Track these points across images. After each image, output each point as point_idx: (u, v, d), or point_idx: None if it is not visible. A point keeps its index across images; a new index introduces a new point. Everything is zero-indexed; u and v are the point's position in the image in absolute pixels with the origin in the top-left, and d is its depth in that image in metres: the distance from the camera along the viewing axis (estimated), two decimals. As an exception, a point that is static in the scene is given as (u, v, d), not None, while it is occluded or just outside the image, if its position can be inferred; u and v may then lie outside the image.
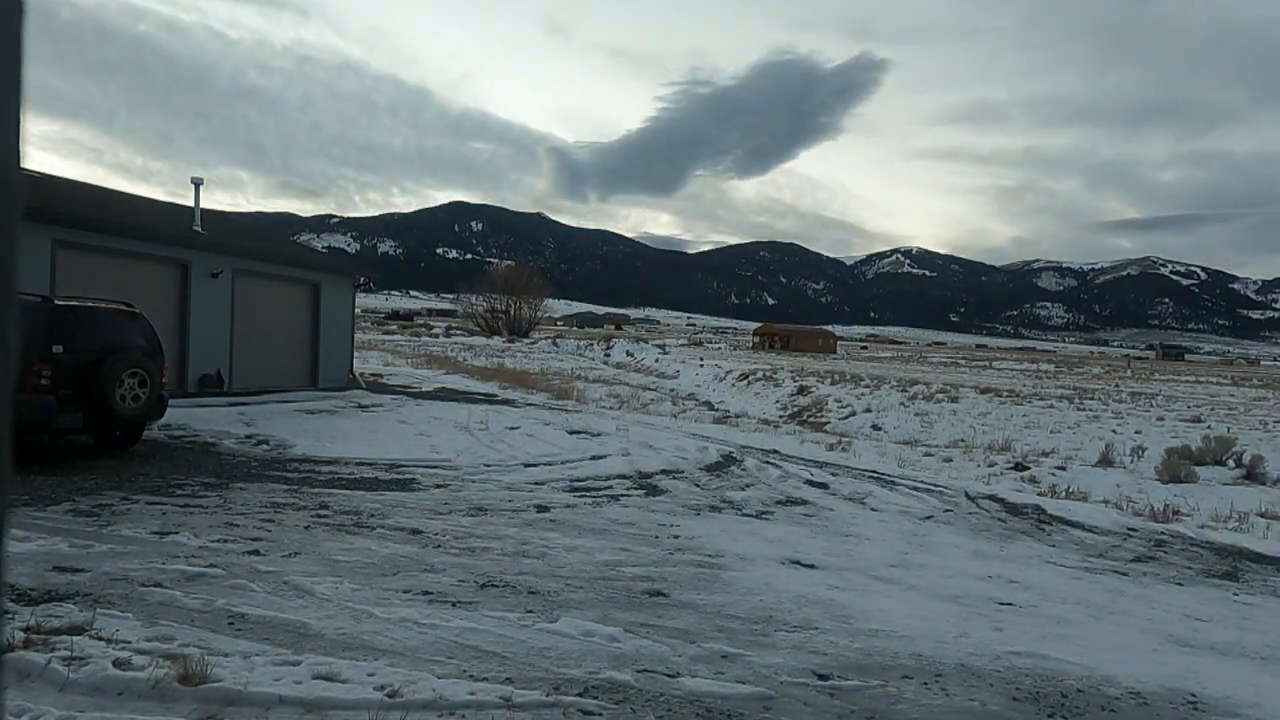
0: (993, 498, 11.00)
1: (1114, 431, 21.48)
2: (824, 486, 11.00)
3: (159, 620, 4.59)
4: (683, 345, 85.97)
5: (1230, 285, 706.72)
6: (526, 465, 11.16)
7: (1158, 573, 7.70)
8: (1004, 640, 5.29)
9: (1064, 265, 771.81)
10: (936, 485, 11.72)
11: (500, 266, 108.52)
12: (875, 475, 12.24)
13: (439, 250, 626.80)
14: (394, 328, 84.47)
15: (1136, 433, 21.16)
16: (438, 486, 9.39)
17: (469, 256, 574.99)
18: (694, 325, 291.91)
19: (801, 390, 32.13)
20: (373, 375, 23.62)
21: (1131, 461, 16.48)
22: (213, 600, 4.97)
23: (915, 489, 11.26)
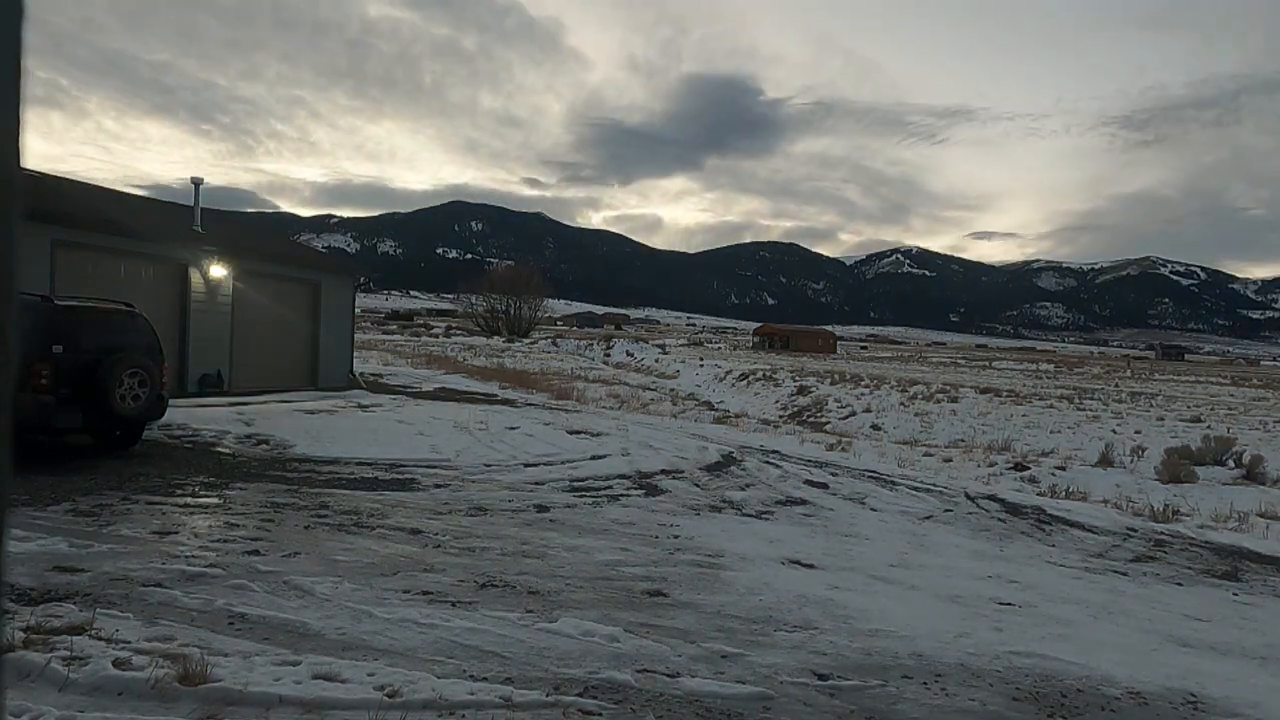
0: (993, 498, 11.00)
1: (1114, 431, 21.50)
2: (824, 486, 11.00)
3: (159, 620, 4.58)
4: (683, 345, 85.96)
5: (1230, 285, 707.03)
6: (526, 465, 11.15)
7: (1158, 573, 7.70)
8: (1004, 640, 5.29)
9: (1064, 265, 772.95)
10: (936, 485, 11.72)
11: (500, 266, 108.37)
12: (875, 475, 12.24)
13: (439, 250, 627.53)
14: (394, 328, 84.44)
15: (1136, 433, 21.17)
16: (438, 486, 9.39)
17: (469, 256, 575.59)
18: (694, 325, 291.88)
19: (801, 390, 32.15)
20: (373, 375, 23.62)
21: (1131, 461, 16.49)
22: (213, 600, 4.97)
23: (915, 489, 11.26)
